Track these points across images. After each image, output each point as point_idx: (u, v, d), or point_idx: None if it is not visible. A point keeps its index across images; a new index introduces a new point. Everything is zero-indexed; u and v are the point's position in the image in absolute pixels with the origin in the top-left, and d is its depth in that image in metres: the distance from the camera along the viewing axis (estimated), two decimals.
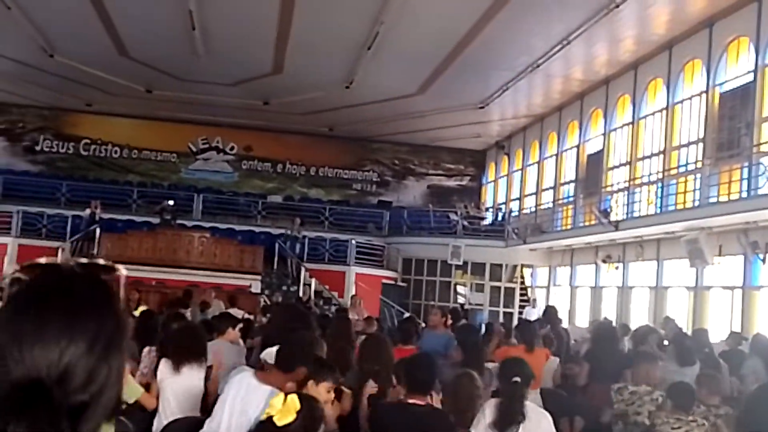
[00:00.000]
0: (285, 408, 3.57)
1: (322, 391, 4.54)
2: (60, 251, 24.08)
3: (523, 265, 27.13)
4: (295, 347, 4.89)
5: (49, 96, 29.55)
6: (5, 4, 19.73)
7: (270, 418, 3.57)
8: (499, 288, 26.96)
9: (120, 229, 25.24)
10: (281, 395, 3.65)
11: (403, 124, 29.53)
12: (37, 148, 32.24)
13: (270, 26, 20.76)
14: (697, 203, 17.85)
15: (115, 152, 32.68)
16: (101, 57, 24.05)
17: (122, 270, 1.89)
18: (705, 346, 10.56)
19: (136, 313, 8.10)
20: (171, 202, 26.38)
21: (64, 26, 22.15)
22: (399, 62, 22.51)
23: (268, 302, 19.89)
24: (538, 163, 28.36)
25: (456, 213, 28.55)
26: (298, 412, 3.58)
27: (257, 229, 28.00)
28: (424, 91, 25.01)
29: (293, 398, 3.62)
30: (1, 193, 28.07)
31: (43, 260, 1.68)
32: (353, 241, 26.29)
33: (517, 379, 5.27)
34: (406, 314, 24.36)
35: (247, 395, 4.53)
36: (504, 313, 25.88)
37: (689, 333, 13.20)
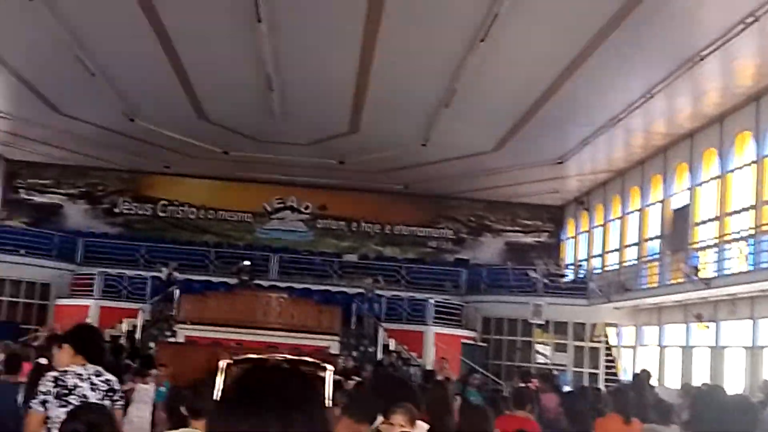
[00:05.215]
0: None
1: None
2: (140, 313, 24.28)
3: (607, 324, 26.24)
4: None
5: (129, 159, 30.17)
6: (89, 70, 20.20)
7: None
8: (583, 348, 26.10)
9: (198, 290, 25.39)
10: None
11: (479, 181, 29.22)
12: (116, 210, 32.89)
13: (347, 86, 20.79)
14: None
15: (192, 213, 33.12)
16: (180, 120, 24.47)
17: (329, 367, 2.06)
18: None
19: None
20: (248, 263, 26.49)
21: (145, 91, 22.63)
22: (476, 119, 22.28)
23: (349, 364, 19.54)
24: (621, 218, 27.62)
25: (535, 270, 27.89)
26: None
27: (334, 289, 27.87)
28: (501, 148, 24.70)
29: None
30: (83, 255, 28.60)
31: (252, 355, 1.95)
32: (431, 300, 25.87)
33: None
34: (487, 375, 23.80)
35: None
36: (589, 374, 24.98)
37: None
